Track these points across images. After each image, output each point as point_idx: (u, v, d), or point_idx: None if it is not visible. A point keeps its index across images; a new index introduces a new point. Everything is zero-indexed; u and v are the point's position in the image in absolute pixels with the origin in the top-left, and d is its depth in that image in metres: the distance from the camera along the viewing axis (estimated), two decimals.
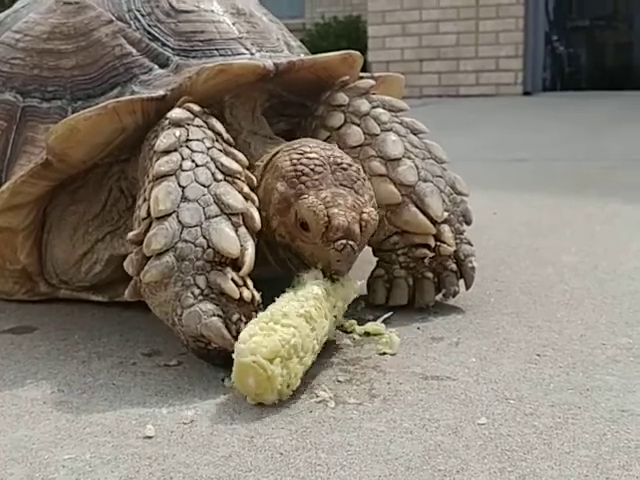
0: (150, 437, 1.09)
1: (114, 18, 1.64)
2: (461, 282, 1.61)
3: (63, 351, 1.44)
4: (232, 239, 1.29)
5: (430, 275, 1.58)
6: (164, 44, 1.61)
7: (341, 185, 1.38)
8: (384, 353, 1.36)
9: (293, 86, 1.72)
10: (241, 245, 1.30)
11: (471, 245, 1.63)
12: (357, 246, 1.34)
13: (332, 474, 0.98)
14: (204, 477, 0.98)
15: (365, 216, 1.35)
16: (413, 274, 1.58)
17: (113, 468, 1.00)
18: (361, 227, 1.34)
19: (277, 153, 1.47)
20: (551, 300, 1.62)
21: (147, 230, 1.30)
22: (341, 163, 1.41)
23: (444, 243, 1.57)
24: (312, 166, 1.39)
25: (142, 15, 1.64)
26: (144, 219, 1.32)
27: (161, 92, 1.48)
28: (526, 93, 9.42)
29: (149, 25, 1.63)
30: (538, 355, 1.34)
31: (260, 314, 1.24)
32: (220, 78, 1.52)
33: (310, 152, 1.42)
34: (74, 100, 1.58)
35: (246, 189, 1.38)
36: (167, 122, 1.41)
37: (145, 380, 1.29)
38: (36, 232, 1.62)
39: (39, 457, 1.04)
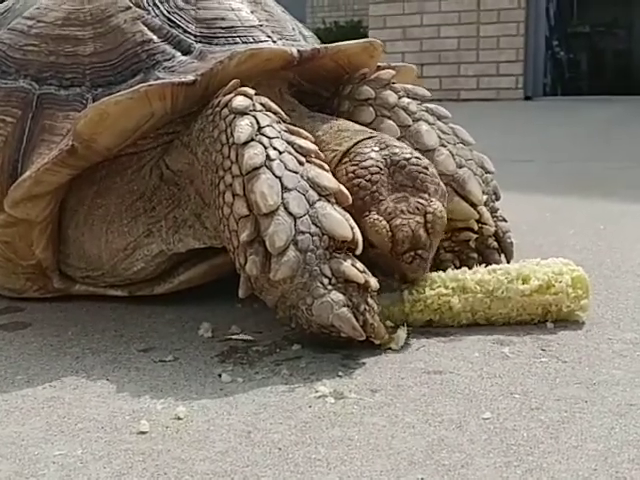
0: (144, 432, 1.05)
1: (132, 4, 1.61)
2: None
3: (56, 347, 1.40)
4: (343, 222, 1.30)
5: (475, 255, 1.61)
6: (185, 31, 1.58)
7: (401, 187, 1.39)
8: (388, 348, 1.32)
9: (313, 75, 1.72)
10: (350, 225, 1.30)
11: (506, 221, 1.67)
12: (427, 251, 1.36)
13: (332, 469, 0.94)
14: (199, 473, 0.94)
15: (430, 217, 1.36)
16: (459, 256, 1.59)
17: (105, 464, 0.97)
18: (427, 230, 1.35)
19: (340, 161, 1.45)
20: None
21: (256, 227, 1.29)
22: (398, 161, 1.41)
23: (485, 224, 1.60)
24: (368, 176, 1.38)
25: (160, 2, 1.62)
26: (244, 217, 1.31)
27: (191, 77, 1.45)
28: (527, 98, 9.39)
29: (168, 12, 1.60)
30: (543, 350, 1.31)
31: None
32: (250, 62, 1.51)
33: (365, 159, 1.41)
34: (94, 87, 1.55)
35: (326, 166, 1.37)
36: (227, 111, 1.39)
37: (139, 376, 1.26)
38: (52, 225, 1.58)
39: (28, 453, 1.01)
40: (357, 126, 1.55)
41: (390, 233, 1.33)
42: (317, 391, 1.16)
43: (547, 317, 1.43)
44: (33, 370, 1.30)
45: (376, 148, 1.43)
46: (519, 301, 1.41)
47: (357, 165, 1.40)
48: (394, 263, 1.37)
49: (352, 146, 1.45)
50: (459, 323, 1.43)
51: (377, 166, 1.39)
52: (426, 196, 1.38)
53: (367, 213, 1.36)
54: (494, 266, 1.46)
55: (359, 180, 1.38)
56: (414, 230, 1.34)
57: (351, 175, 1.40)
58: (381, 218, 1.34)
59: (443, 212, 1.37)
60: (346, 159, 1.44)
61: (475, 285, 1.41)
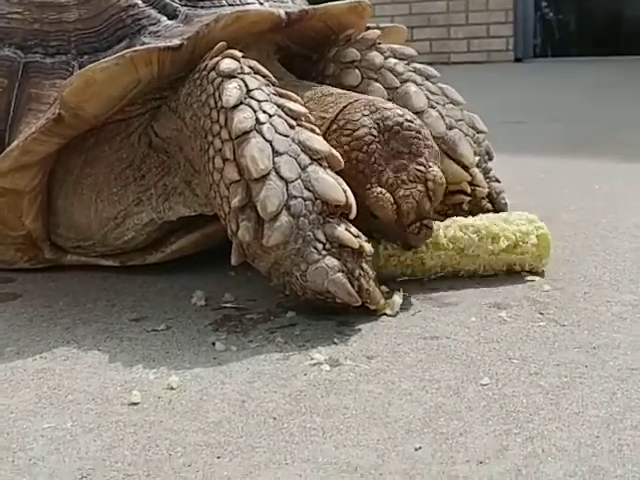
0: (136, 403, 1.03)
1: None
2: None
3: (47, 318, 1.38)
4: (335, 186, 1.27)
5: None
6: None
7: (398, 153, 1.35)
8: (383, 314, 1.30)
9: (301, 37, 1.69)
10: (343, 189, 1.28)
11: (499, 182, 1.65)
12: (431, 220, 1.35)
13: (328, 438, 0.92)
14: (192, 444, 0.93)
15: (431, 184, 1.34)
16: None
17: (95, 437, 0.95)
18: (430, 197, 1.33)
19: (328, 128, 1.41)
20: (552, 257, 1.56)
21: (248, 193, 1.26)
22: (392, 127, 1.37)
23: (478, 186, 1.59)
24: (365, 148, 1.35)
25: None
26: (235, 182, 1.28)
27: (177, 41, 1.42)
28: (517, 59, 9.34)
29: None
30: (541, 313, 1.29)
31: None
32: (237, 25, 1.47)
33: (357, 128, 1.37)
34: (80, 54, 1.52)
35: (317, 129, 1.34)
36: (215, 74, 1.36)
37: (132, 346, 1.24)
38: (42, 195, 1.55)
39: (17, 427, 0.99)
40: (339, 90, 1.52)
41: (395, 206, 1.32)
42: (312, 359, 1.15)
43: (510, 272, 1.48)
44: (23, 341, 1.28)
45: (366, 112, 1.39)
46: (487, 260, 1.46)
47: (350, 136, 1.37)
48: (399, 233, 1.35)
49: (339, 112, 1.42)
50: (428, 277, 1.46)
51: (371, 134, 1.36)
52: (423, 161, 1.35)
53: (369, 186, 1.33)
54: (466, 221, 1.46)
55: (356, 153, 1.35)
56: (418, 200, 1.32)
57: (347, 148, 1.36)
58: (384, 191, 1.32)
59: (442, 178, 1.35)
60: (335, 126, 1.40)
61: (448, 242, 1.43)
